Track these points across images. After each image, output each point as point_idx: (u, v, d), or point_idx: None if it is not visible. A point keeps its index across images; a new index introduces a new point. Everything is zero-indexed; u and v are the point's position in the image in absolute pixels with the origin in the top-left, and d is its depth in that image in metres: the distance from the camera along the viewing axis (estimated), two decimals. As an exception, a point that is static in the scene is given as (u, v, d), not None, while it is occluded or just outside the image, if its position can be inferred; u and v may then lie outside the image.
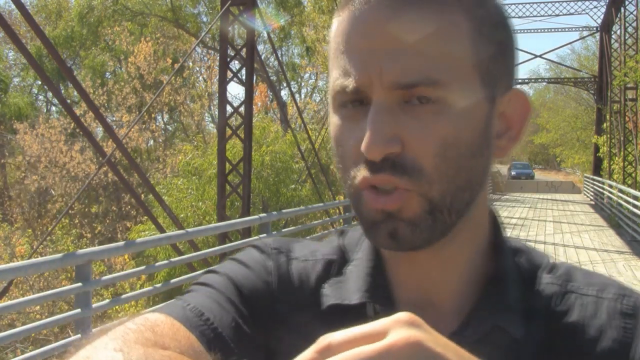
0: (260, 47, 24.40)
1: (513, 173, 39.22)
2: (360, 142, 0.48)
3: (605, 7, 22.55)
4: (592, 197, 23.24)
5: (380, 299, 0.54)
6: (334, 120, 0.52)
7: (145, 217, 14.05)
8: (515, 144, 0.53)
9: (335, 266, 0.58)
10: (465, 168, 0.49)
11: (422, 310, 0.49)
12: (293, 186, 13.85)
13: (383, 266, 0.56)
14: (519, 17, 25.86)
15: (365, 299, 0.54)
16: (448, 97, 0.47)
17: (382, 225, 0.49)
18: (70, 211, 18.16)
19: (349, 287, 0.55)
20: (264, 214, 6.75)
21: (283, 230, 8.16)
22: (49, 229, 15.71)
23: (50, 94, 27.02)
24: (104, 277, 4.82)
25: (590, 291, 0.55)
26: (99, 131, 21.66)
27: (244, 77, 8.20)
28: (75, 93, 21.81)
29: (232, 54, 8.37)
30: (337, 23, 0.51)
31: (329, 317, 0.53)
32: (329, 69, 0.52)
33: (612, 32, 22.05)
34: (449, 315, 0.54)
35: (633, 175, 18.61)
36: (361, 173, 0.49)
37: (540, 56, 27.15)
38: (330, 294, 0.56)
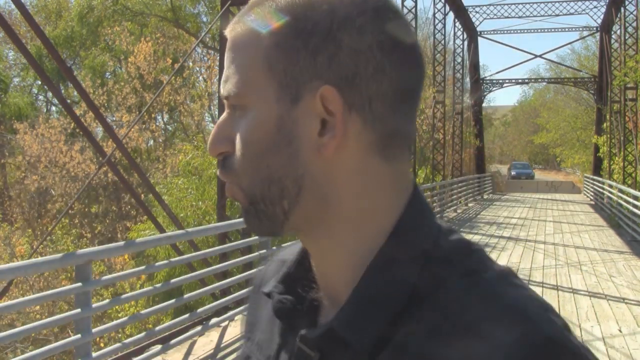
0: (260, 47, 24.40)
1: (513, 173, 39.25)
2: None
3: (605, 7, 22.56)
4: (592, 197, 23.25)
5: (287, 287, 0.61)
6: None
7: (145, 217, 14.05)
8: (335, 140, 0.54)
9: (285, 264, 0.65)
10: (262, 164, 0.55)
11: (326, 300, 0.59)
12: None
13: (306, 258, 0.62)
14: (519, 17, 25.87)
15: (270, 289, 0.62)
16: (247, 104, 0.55)
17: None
18: (70, 211, 18.15)
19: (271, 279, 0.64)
20: (264, 214, 6.74)
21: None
22: (49, 229, 15.70)
23: (50, 94, 27.03)
24: (104, 277, 4.82)
25: (465, 337, 0.47)
26: (99, 131, 21.67)
27: (244, 77, 8.20)
28: (75, 93, 21.81)
29: (232, 54, 8.37)
30: None
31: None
32: None
33: (612, 32, 22.06)
34: (337, 309, 0.55)
35: (633, 175, 18.62)
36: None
37: (540, 56, 27.18)
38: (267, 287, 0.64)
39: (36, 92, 28.81)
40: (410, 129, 0.58)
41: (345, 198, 0.55)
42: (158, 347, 5.09)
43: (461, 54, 24.50)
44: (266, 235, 0.59)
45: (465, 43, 25.31)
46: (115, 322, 4.67)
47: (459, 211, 18.13)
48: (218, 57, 10.34)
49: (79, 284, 4.05)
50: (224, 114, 0.58)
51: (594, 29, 25.51)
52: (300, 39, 0.54)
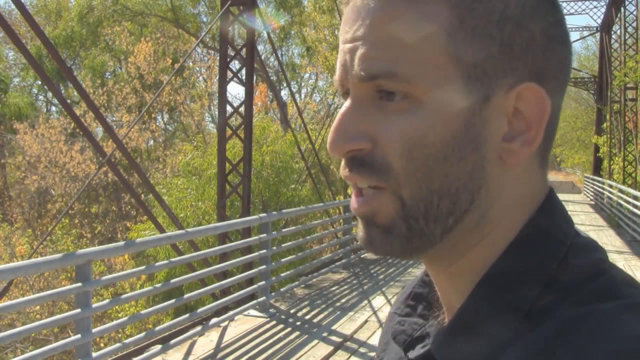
0: (260, 47, 24.41)
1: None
2: None
3: (605, 7, 22.55)
4: (592, 197, 23.24)
5: (412, 307, 0.56)
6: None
7: (145, 217, 14.06)
8: (530, 148, 0.46)
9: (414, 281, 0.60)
10: (438, 172, 0.45)
11: (447, 318, 0.51)
12: (293, 186, 13.85)
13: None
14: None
15: (394, 309, 0.58)
16: (415, 93, 0.44)
17: (363, 229, 0.49)
18: (70, 211, 18.15)
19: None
20: (264, 214, 6.74)
21: (283, 230, 8.16)
22: (49, 229, 15.70)
23: (50, 94, 27.03)
24: (104, 277, 4.82)
25: None
26: (99, 131, 21.67)
27: (244, 77, 8.20)
28: (75, 93, 21.82)
29: (232, 54, 8.37)
30: None
31: None
32: None
33: (612, 32, 22.05)
34: None
35: (633, 175, 18.62)
36: (343, 169, 0.49)
37: (540, 56, 27.15)
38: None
39: (36, 92, 28.81)
40: None
41: (500, 213, 0.47)
42: (158, 347, 5.09)
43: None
44: (404, 258, 0.49)
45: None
46: (115, 322, 4.67)
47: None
48: (218, 57, 10.34)
49: (79, 284, 4.05)
50: (350, 103, 0.47)
51: (594, 29, 25.49)
52: (493, 22, 0.44)
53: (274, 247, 7.05)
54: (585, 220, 16.85)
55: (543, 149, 0.48)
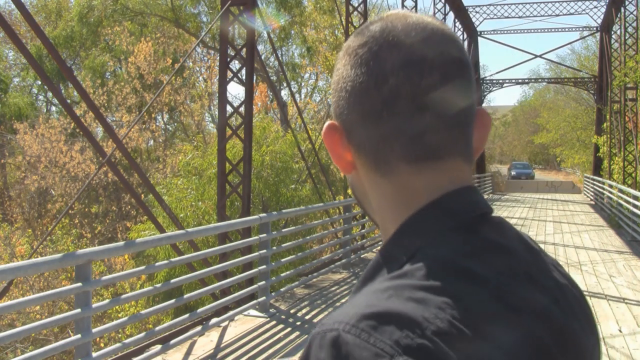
0: (260, 47, 24.40)
1: (513, 173, 39.22)
2: None
3: (605, 7, 22.55)
4: (592, 197, 23.24)
5: None
6: None
7: (145, 217, 14.05)
8: (342, 161, 0.64)
9: None
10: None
11: None
12: (293, 186, 13.85)
13: None
14: (519, 17, 25.86)
15: None
16: None
17: None
18: (70, 211, 18.15)
19: None
20: (264, 214, 6.74)
21: (283, 230, 8.16)
22: (49, 229, 15.70)
23: (50, 94, 27.02)
24: (104, 277, 4.81)
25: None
26: (99, 131, 21.67)
27: (244, 77, 8.20)
28: (75, 93, 21.81)
29: (232, 54, 8.37)
30: None
31: None
32: None
33: (612, 32, 22.05)
34: None
35: (633, 175, 18.62)
36: None
37: (540, 56, 27.13)
38: None
39: (36, 92, 28.80)
40: (396, 140, 0.58)
41: (374, 212, 0.64)
42: (158, 347, 5.09)
43: (461, 54, 24.46)
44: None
45: (465, 43, 25.32)
46: (115, 322, 4.67)
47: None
48: (218, 57, 10.33)
49: (79, 284, 4.05)
50: None
51: (594, 29, 25.50)
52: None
53: (274, 247, 7.05)
54: (585, 220, 16.85)
55: (371, 161, 0.60)
